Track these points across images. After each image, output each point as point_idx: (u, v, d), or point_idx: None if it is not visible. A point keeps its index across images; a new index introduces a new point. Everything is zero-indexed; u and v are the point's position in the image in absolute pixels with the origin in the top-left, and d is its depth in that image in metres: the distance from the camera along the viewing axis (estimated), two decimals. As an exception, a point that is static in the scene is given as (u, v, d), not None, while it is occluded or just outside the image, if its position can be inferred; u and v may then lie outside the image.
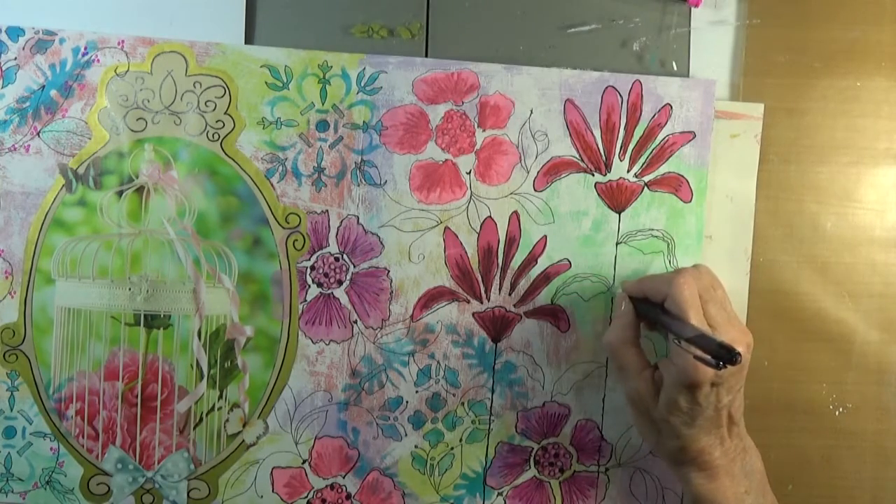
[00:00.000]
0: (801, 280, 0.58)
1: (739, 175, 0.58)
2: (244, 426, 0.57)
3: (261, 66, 0.56)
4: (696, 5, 0.57)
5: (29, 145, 0.56)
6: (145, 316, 0.57)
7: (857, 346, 0.58)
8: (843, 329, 0.58)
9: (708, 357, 0.45)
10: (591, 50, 0.58)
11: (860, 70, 0.58)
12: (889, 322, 0.58)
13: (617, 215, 0.57)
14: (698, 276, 0.51)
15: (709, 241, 0.58)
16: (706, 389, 0.48)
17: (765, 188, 0.58)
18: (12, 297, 0.56)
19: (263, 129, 0.57)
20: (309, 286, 0.57)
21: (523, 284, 0.57)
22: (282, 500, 0.57)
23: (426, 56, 0.57)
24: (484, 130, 0.57)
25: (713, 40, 0.58)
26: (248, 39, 0.57)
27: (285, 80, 0.57)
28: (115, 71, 0.56)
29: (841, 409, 0.58)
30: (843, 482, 0.57)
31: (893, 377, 0.59)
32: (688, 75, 0.58)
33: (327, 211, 0.57)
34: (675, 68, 0.58)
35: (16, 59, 0.56)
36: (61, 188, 0.56)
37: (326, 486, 0.57)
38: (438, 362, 0.57)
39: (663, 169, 0.57)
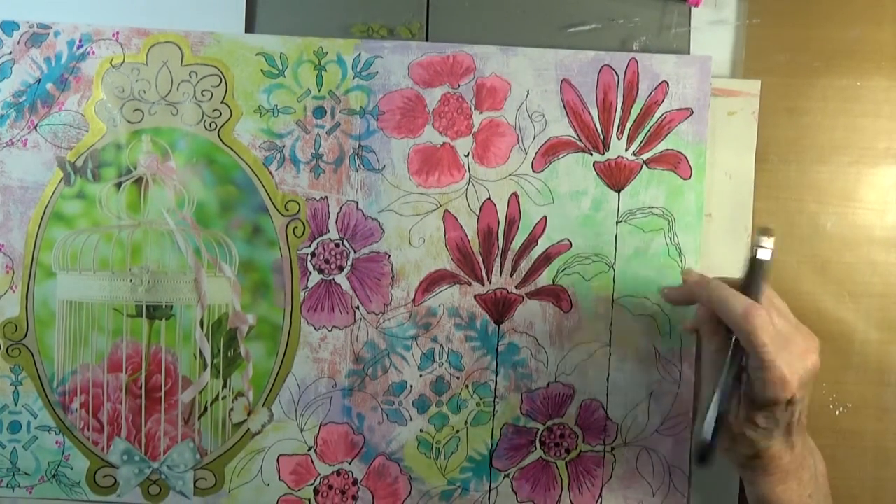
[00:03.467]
0: (801, 280, 0.58)
1: (738, 152, 0.58)
2: (249, 415, 0.57)
3: (256, 54, 0.56)
4: (696, 5, 0.57)
5: (26, 139, 0.56)
6: (147, 307, 0.57)
7: (857, 345, 0.58)
8: (843, 329, 0.58)
9: None
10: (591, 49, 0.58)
11: (860, 70, 0.58)
12: (889, 322, 0.58)
13: (616, 194, 0.57)
14: (769, 303, 0.50)
15: (709, 218, 0.58)
16: (782, 406, 0.48)
17: (765, 188, 0.58)
18: (14, 291, 0.56)
19: (260, 116, 0.57)
20: (310, 273, 0.57)
21: (524, 266, 0.57)
22: (288, 487, 0.57)
23: (425, 53, 0.58)
24: (481, 112, 0.57)
25: (713, 40, 0.58)
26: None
27: (281, 68, 0.57)
28: (111, 63, 0.56)
29: (841, 409, 0.58)
30: (844, 482, 0.57)
31: (893, 377, 0.58)
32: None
33: (326, 197, 0.57)
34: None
35: (10, 53, 0.56)
36: (60, 181, 0.56)
37: (333, 473, 0.57)
38: (441, 346, 0.57)
39: (661, 146, 0.57)
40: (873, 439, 0.59)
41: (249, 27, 0.57)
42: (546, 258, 0.57)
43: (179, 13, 0.57)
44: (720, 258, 0.58)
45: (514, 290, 0.57)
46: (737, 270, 0.57)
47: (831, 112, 0.58)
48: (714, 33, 0.58)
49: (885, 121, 0.58)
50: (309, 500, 0.57)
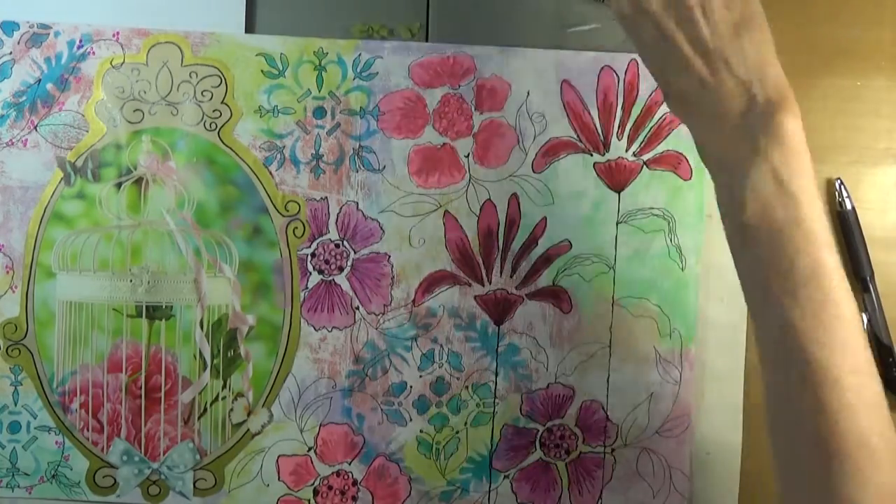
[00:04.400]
0: None
1: (738, 153, 0.58)
2: (249, 415, 0.57)
3: (256, 55, 0.56)
4: None
5: (26, 139, 0.56)
6: (147, 307, 0.57)
7: None
8: None
9: None
10: (591, 49, 0.57)
11: (860, 69, 0.58)
12: (889, 322, 0.58)
13: (616, 195, 0.57)
14: None
15: (709, 219, 0.57)
16: None
17: None
18: (13, 291, 0.56)
19: (260, 117, 0.57)
20: (310, 273, 0.57)
21: (524, 266, 0.57)
22: (288, 487, 0.57)
23: (426, 53, 0.58)
24: (481, 113, 0.57)
25: None
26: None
27: (281, 68, 0.57)
28: (111, 63, 0.56)
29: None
30: None
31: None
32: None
33: (326, 198, 0.57)
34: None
35: (11, 53, 0.56)
36: (60, 181, 0.56)
37: (332, 473, 0.57)
38: (441, 346, 0.57)
39: (662, 147, 0.57)
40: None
41: (249, 27, 0.57)
42: (546, 259, 0.57)
43: (179, 13, 0.57)
44: (720, 258, 0.58)
45: (514, 291, 0.57)
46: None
47: (831, 112, 0.58)
48: (714, 33, 0.58)
49: (885, 121, 0.58)
50: (309, 501, 0.57)
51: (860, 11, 0.58)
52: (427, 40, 0.58)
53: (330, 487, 0.57)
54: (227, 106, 0.56)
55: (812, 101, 0.58)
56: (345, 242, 0.57)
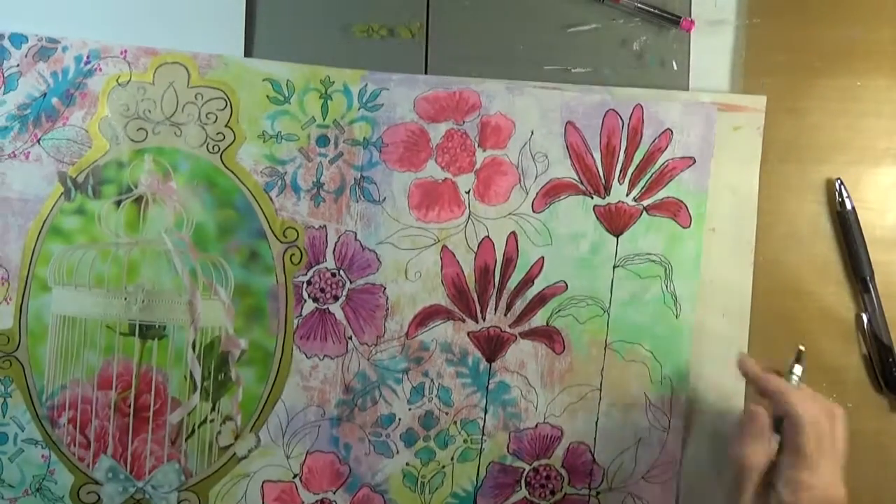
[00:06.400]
0: (801, 280, 0.58)
1: (742, 167, 0.58)
2: (236, 439, 0.57)
3: (263, 80, 0.56)
4: (689, 30, 0.57)
5: (29, 152, 0.56)
6: (140, 326, 0.57)
7: (858, 345, 0.58)
8: (844, 329, 0.58)
9: None
10: (591, 49, 0.58)
11: (860, 69, 0.58)
12: (889, 322, 0.58)
13: (615, 238, 0.57)
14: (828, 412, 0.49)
15: (712, 233, 0.57)
16: None
17: (765, 188, 0.58)
18: (8, 303, 0.56)
19: (264, 142, 0.57)
20: (305, 301, 0.57)
21: (519, 305, 0.57)
22: (271, 514, 0.57)
23: (426, 56, 0.57)
24: (484, 150, 0.57)
25: (713, 40, 0.58)
26: (249, 36, 0.57)
27: (287, 95, 0.57)
28: (118, 80, 0.56)
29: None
30: (844, 482, 0.57)
31: (894, 377, 0.58)
32: (688, 75, 0.58)
33: (325, 226, 0.57)
34: (675, 68, 0.58)
35: (18, 65, 0.56)
36: (60, 196, 0.56)
37: (317, 501, 0.57)
38: (432, 380, 0.57)
39: (662, 193, 0.57)
40: (873, 439, 0.59)
41: (249, 22, 0.57)
42: (541, 299, 0.57)
43: (177, 29, 0.57)
44: (723, 273, 0.58)
45: (508, 329, 0.57)
46: (740, 285, 0.57)
47: (831, 112, 0.58)
48: (714, 33, 0.58)
49: (885, 121, 0.59)
50: (291, 527, 0.57)
51: (860, 11, 0.58)
52: (427, 40, 0.57)
53: (313, 516, 0.57)
54: (231, 129, 0.57)
55: (812, 101, 0.58)
56: (341, 272, 0.57)
